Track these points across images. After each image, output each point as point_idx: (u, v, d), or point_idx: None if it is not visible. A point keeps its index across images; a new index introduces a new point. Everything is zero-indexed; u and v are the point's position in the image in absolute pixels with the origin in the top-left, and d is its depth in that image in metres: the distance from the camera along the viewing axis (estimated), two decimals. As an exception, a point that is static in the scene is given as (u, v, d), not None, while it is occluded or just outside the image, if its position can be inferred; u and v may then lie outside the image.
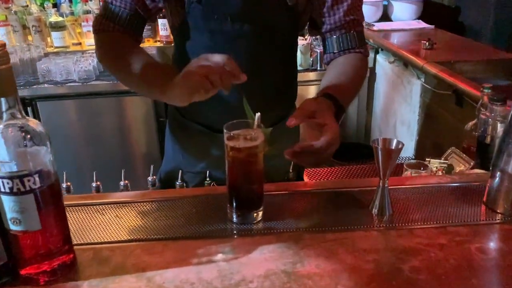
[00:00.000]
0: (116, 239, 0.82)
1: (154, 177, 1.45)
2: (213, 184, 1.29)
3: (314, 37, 2.63)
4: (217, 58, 0.86)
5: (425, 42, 2.35)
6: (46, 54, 2.69)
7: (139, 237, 0.82)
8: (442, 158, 1.46)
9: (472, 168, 1.36)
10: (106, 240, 0.81)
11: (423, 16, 3.12)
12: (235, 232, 0.84)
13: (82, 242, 0.81)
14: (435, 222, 0.85)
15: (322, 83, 1.11)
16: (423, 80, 2.17)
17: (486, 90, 1.36)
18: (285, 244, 0.80)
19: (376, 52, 2.74)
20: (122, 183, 1.44)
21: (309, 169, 1.68)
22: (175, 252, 0.78)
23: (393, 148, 0.85)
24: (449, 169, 1.37)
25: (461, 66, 2.13)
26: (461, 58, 2.21)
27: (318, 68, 2.68)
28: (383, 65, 2.67)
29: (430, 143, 2.13)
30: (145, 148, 2.67)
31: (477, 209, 0.90)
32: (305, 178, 1.59)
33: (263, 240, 0.81)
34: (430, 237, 0.81)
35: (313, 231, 0.83)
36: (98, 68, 2.62)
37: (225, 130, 0.81)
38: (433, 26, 2.92)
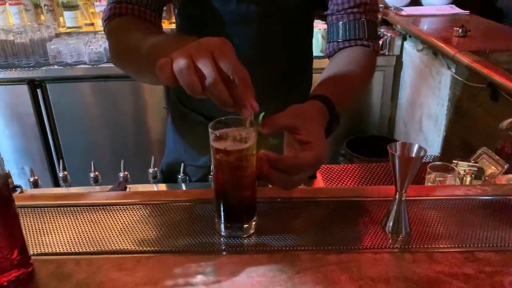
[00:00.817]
0: (83, 250, 0.71)
1: (156, 169, 1.36)
2: None
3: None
4: (227, 59, 0.61)
5: (458, 29, 2.16)
6: (58, 35, 2.61)
7: (109, 248, 0.71)
8: (472, 160, 1.30)
9: (506, 172, 1.21)
10: (72, 250, 0.71)
11: (456, 0, 2.90)
12: (222, 247, 0.72)
13: (45, 251, 0.71)
14: (460, 246, 0.71)
15: (320, 79, 0.91)
16: (454, 71, 1.99)
17: (526, 85, 1.20)
18: (278, 266, 0.67)
19: (404, 39, 2.56)
20: (121, 174, 1.35)
21: (322, 166, 1.54)
22: (148, 270, 0.66)
23: (413, 155, 0.71)
24: (479, 174, 1.22)
25: (497, 56, 1.93)
26: (498, 48, 2.01)
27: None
28: (410, 53, 2.48)
29: (458, 141, 1.95)
30: (156, 135, 2.58)
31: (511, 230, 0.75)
32: (318, 176, 1.46)
33: (253, 260, 0.69)
34: (454, 264, 0.67)
35: (313, 251, 0.70)
36: (110, 50, 2.53)
37: (210, 130, 0.68)
38: (468, 11, 2.71)
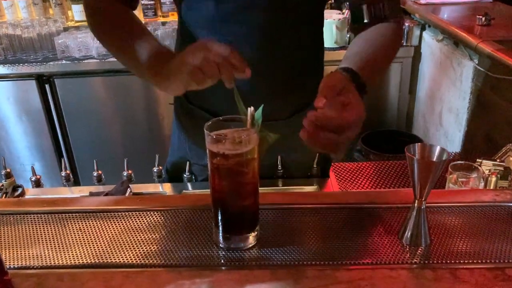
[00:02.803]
0: (67, 263, 0.65)
1: (160, 167, 1.30)
2: None
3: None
4: (219, 47, 0.70)
5: (480, 17, 2.04)
6: (66, 29, 2.56)
7: (96, 262, 0.65)
8: (497, 158, 1.21)
9: (535, 172, 1.11)
10: (55, 263, 0.65)
11: (479, -13, 2.76)
12: (220, 261, 0.65)
13: (25, 264, 0.65)
14: (488, 261, 0.63)
15: (345, 54, 0.92)
16: (477, 62, 1.87)
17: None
18: (281, 284, 0.60)
19: (423, 29, 2.44)
20: (125, 173, 1.30)
21: (336, 164, 1.46)
22: (136, 287, 0.60)
23: (434, 159, 0.62)
24: (506, 173, 1.12)
25: (523, 45, 1.82)
26: (524, 36, 1.89)
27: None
28: (430, 43, 2.37)
29: (481, 136, 1.84)
30: (168, 131, 2.52)
31: (548, 243, 0.66)
32: (331, 175, 1.38)
33: (253, 276, 0.61)
34: (481, 284, 0.59)
35: (321, 266, 0.63)
36: (119, 44, 2.48)
37: (206, 131, 0.61)
38: (491, -1, 2.57)
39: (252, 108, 0.63)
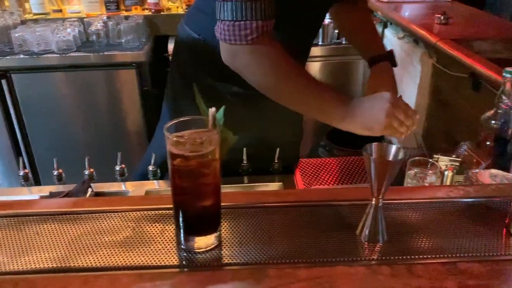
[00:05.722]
0: (23, 269, 0.63)
1: (123, 165, 1.27)
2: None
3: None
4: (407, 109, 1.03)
5: (439, 16, 2.10)
6: (24, 22, 2.47)
7: (53, 266, 0.63)
8: (453, 155, 1.25)
9: (487, 167, 1.16)
10: (9, 269, 0.63)
11: (439, -13, 2.83)
12: (182, 262, 0.65)
13: (-21, 272, 0.62)
14: (442, 256, 0.65)
15: (359, 42, 1.34)
16: (435, 60, 1.93)
17: (509, 75, 1.14)
18: (243, 284, 0.61)
19: (385, 26, 2.49)
20: (86, 172, 1.27)
21: (301, 160, 1.47)
22: (95, 292, 0.59)
23: (390, 159, 0.64)
24: (461, 169, 1.16)
25: (479, 44, 1.88)
26: (480, 35, 1.96)
27: (320, 43, 2.45)
28: (391, 41, 2.42)
29: (441, 133, 1.91)
30: (133, 127, 2.47)
31: (497, 237, 0.69)
32: (297, 171, 1.39)
33: (215, 277, 0.62)
34: (435, 278, 0.61)
35: (282, 264, 0.64)
36: (80, 38, 2.41)
37: (166, 132, 0.61)
38: (450, -2, 2.65)
39: (213, 108, 0.63)
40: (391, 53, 1.28)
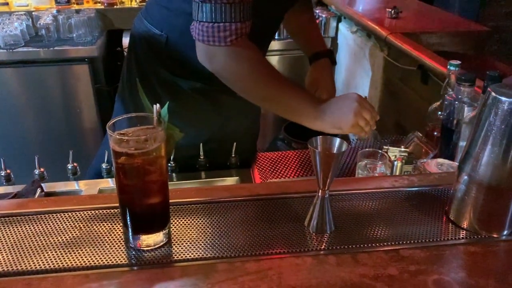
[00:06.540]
0: (-38, 276, 0.60)
1: (75, 164, 1.23)
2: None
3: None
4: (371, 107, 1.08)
5: (390, 10, 2.16)
6: (-34, 15, 2.35)
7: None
8: (403, 145, 1.30)
9: (434, 157, 1.21)
10: None
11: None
12: (131, 261, 0.64)
13: None
14: (385, 244, 0.68)
15: (302, 39, 1.43)
16: (387, 53, 1.99)
17: (453, 68, 1.19)
18: (192, 279, 0.61)
19: (339, 21, 2.53)
20: (36, 171, 1.22)
21: (258, 154, 1.49)
22: (39, 295, 0.58)
23: (334, 151, 0.66)
24: (410, 159, 1.21)
25: (427, 37, 1.95)
26: (428, 29, 2.03)
27: (277, 37, 2.47)
28: (345, 35, 2.47)
29: (392, 124, 1.97)
30: (88, 123, 2.40)
31: (438, 224, 0.73)
32: (253, 165, 1.40)
33: (163, 274, 0.61)
34: (379, 265, 0.64)
35: (231, 258, 0.64)
36: (29, 32, 2.32)
37: (109, 130, 0.60)
38: (401, -8, 2.71)
39: (158, 105, 0.63)
40: (331, 51, 1.38)
